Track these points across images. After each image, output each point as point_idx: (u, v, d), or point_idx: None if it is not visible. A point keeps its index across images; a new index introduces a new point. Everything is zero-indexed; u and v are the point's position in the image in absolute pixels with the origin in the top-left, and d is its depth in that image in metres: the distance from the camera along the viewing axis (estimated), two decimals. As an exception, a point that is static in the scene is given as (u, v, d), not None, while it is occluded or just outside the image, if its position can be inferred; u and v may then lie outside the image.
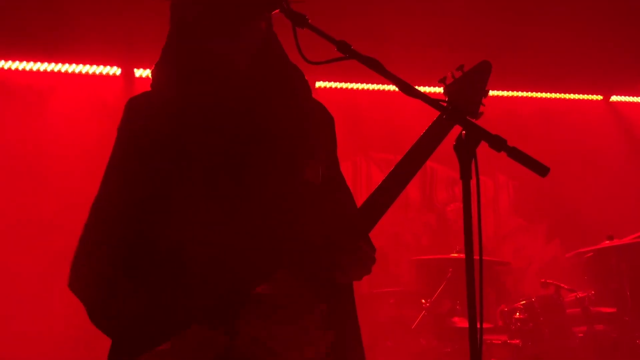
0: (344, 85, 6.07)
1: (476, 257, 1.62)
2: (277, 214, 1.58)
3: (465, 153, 1.67)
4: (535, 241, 6.57)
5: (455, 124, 1.71)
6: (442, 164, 6.33)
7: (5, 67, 4.87)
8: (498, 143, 1.64)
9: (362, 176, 6.26)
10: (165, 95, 1.65)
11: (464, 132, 1.67)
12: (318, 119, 1.77)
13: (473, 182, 1.67)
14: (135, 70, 5.23)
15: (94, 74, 5.10)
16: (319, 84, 5.96)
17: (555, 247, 6.54)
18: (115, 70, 5.17)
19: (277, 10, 1.70)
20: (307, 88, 1.79)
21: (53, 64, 4.97)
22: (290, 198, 1.61)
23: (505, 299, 5.23)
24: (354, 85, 6.13)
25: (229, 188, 1.57)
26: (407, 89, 1.70)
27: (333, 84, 5.99)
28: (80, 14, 4.36)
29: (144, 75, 5.27)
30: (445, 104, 1.68)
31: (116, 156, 1.62)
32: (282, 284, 1.53)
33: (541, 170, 1.68)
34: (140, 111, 1.64)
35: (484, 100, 1.81)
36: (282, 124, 1.67)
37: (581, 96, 6.80)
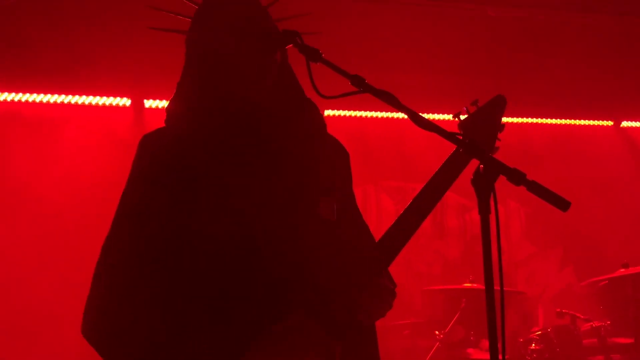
0: (353, 113, 6.07)
1: (497, 288, 1.57)
2: (292, 252, 1.55)
3: (484, 187, 1.65)
4: (549, 269, 6.49)
5: (472, 157, 1.69)
6: (453, 191, 6.27)
7: (23, 100, 4.92)
8: (517, 177, 1.62)
9: (372, 204, 6.22)
10: (180, 131, 1.63)
11: (481, 166, 1.64)
12: (333, 154, 1.75)
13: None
14: (145, 101, 5.26)
15: (104, 105, 5.13)
16: (327, 112, 5.96)
17: (569, 274, 6.46)
18: (125, 102, 5.20)
19: (291, 45, 1.69)
20: (323, 123, 1.77)
21: (64, 96, 5.00)
22: (305, 235, 1.58)
23: (520, 328, 5.15)
24: (363, 113, 6.13)
25: (245, 227, 1.54)
26: (422, 122, 1.69)
27: (342, 112, 5.98)
28: (91, 47, 4.42)
29: (153, 106, 5.30)
30: (461, 137, 1.66)
31: (129, 194, 1.59)
32: (297, 324, 1.49)
33: (562, 204, 1.65)
34: (154, 148, 1.62)
35: (499, 135, 1.80)
36: (297, 159, 1.65)
37: (592, 122, 6.77)
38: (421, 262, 6.11)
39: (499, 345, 1.50)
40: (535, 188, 1.63)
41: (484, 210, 1.65)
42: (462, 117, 1.82)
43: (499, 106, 1.77)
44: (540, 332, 4.75)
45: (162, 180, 1.56)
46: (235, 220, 1.54)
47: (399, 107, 1.74)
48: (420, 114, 4.91)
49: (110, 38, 4.36)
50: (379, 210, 6.16)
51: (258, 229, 1.55)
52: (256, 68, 1.63)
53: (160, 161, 1.58)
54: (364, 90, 1.72)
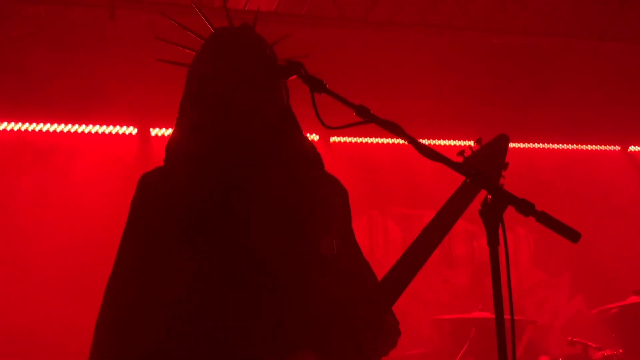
0: (359, 139, 6.06)
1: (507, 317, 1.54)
2: (296, 290, 1.53)
3: (492, 218, 1.62)
4: (558, 296, 6.41)
5: (479, 188, 1.66)
6: (461, 218, 6.24)
7: (37, 129, 5.02)
8: (526, 207, 1.59)
9: (378, 231, 6.17)
10: (179, 171, 1.61)
11: (489, 196, 1.62)
12: (332, 193, 1.75)
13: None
14: (151, 129, 5.32)
15: (110, 134, 5.19)
16: (334, 139, 5.96)
17: (579, 302, 6.37)
18: (132, 130, 5.25)
19: (295, 77, 1.68)
20: (321, 163, 1.77)
21: (70, 125, 5.09)
22: (308, 274, 1.56)
23: (531, 357, 5.07)
24: (370, 140, 6.12)
25: (246, 266, 1.52)
26: (427, 152, 1.67)
27: (348, 139, 5.98)
28: (100, 79, 4.54)
29: (159, 135, 5.35)
30: (469, 168, 1.63)
31: (129, 235, 1.57)
32: None
33: (572, 235, 1.62)
34: (153, 188, 1.60)
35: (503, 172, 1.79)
36: (297, 199, 1.64)
37: (599, 147, 6.75)
38: (429, 290, 6.04)
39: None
40: (545, 219, 1.60)
41: (493, 242, 1.62)
42: (467, 156, 1.79)
43: (502, 144, 1.79)
44: (551, 362, 4.67)
45: (161, 223, 1.54)
46: (236, 262, 1.51)
47: (404, 137, 1.72)
48: (427, 140, 4.94)
49: (118, 70, 4.43)
50: (385, 236, 6.12)
51: (259, 268, 1.52)
52: (261, 103, 1.62)
53: (159, 202, 1.56)
54: (368, 120, 1.71)
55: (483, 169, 1.68)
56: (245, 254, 1.53)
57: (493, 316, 1.56)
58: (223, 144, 1.62)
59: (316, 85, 1.67)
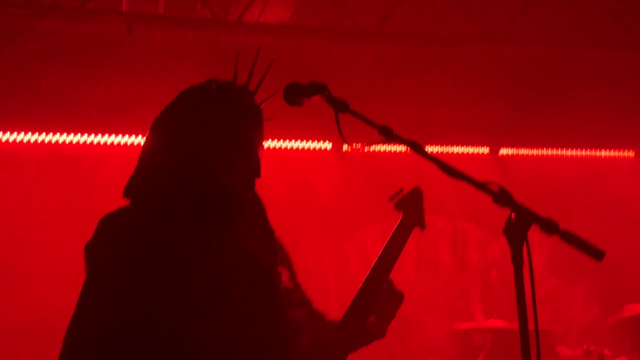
0: (371, 147, 6.06)
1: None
2: (268, 324, 1.59)
3: (516, 237, 1.64)
4: (573, 303, 6.38)
5: (504, 206, 1.67)
6: (473, 223, 6.23)
7: (60, 141, 5.15)
8: (550, 226, 1.61)
9: (391, 239, 6.17)
10: (141, 214, 1.58)
11: (513, 214, 1.63)
12: (268, 222, 1.78)
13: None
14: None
15: (132, 145, 5.30)
16: (346, 148, 5.97)
17: (594, 309, 6.34)
18: (141, 140, 5.39)
19: (318, 97, 1.71)
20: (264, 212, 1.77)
21: (92, 135, 5.23)
22: (276, 305, 1.65)
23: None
24: (381, 148, 6.12)
25: (212, 312, 1.51)
26: (450, 171, 1.68)
27: (366, 147, 5.98)
28: (119, 90, 4.59)
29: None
30: (493, 187, 1.64)
31: (90, 279, 1.55)
32: None
33: (596, 254, 1.63)
34: (116, 231, 1.56)
35: None
36: (251, 234, 1.67)
37: (613, 153, 6.72)
38: (442, 297, 6.03)
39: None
40: (569, 238, 1.62)
41: (517, 260, 1.64)
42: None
43: (420, 195, 2.33)
44: (567, 370, 4.65)
45: (121, 269, 1.51)
46: (201, 308, 1.50)
47: (425, 156, 1.74)
48: (442, 147, 4.95)
49: (135, 83, 4.49)
50: (398, 245, 6.10)
51: (228, 308, 1.53)
52: (247, 160, 1.65)
53: (124, 246, 1.52)
54: (391, 139, 1.73)
55: (414, 212, 2.23)
56: (209, 294, 1.52)
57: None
58: (197, 186, 1.60)
59: (340, 106, 1.69)
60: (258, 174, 1.67)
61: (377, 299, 1.86)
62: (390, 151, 6.13)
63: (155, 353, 1.45)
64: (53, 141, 5.13)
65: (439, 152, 6.14)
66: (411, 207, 2.24)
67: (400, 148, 6.12)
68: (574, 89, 5.34)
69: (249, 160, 1.65)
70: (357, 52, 4.51)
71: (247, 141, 1.66)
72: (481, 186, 1.66)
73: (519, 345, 1.53)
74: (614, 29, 4.96)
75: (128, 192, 1.62)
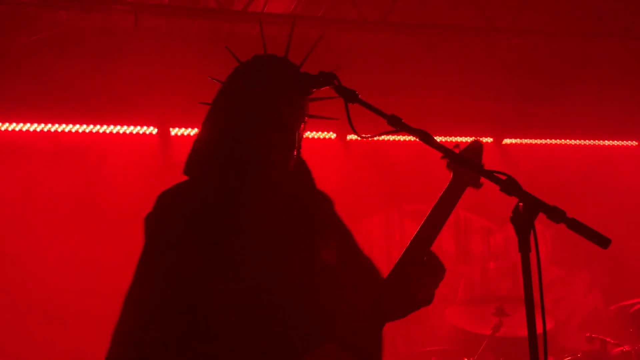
0: (375, 137, 6.07)
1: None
2: (311, 293, 1.62)
3: (523, 225, 1.65)
4: (576, 292, 6.42)
5: (512, 196, 1.69)
6: (477, 214, 6.26)
7: (59, 130, 5.18)
8: (557, 215, 1.62)
9: (394, 228, 6.20)
10: (196, 189, 1.66)
11: (520, 203, 1.64)
12: (324, 206, 1.85)
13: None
14: (171, 129, 5.45)
15: (131, 134, 5.34)
16: (350, 137, 5.99)
17: (596, 298, 6.38)
18: (152, 130, 5.39)
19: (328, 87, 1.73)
20: (313, 182, 1.85)
21: (91, 126, 5.25)
22: (317, 278, 1.66)
23: (549, 354, 5.08)
24: (385, 137, 6.13)
25: (264, 277, 1.59)
26: (460, 160, 1.71)
27: (375, 137, 6.01)
28: (121, 80, 4.61)
29: (178, 134, 5.47)
30: (501, 176, 1.66)
31: (149, 250, 1.61)
32: (327, 353, 1.53)
33: (602, 242, 1.65)
34: (175, 205, 1.64)
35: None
36: (299, 218, 1.72)
37: (615, 142, 6.74)
38: (446, 286, 6.07)
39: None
40: (576, 226, 1.63)
41: (524, 248, 1.66)
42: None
43: (478, 149, 2.03)
44: (570, 358, 4.68)
45: (180, 239, 1.58)
46: (255, 275, 1.58)
47: (433, 145, 1.76)
48: (447, 137, 4.94)
49: (139, 73, 4.51)
50: (402, 234, 6.14)
51: (278, 282, 1.60)
52: (287, 133, 1.70)
53: (177, 221, 1.60)
54: (399, 129, 1.74)
55: (466, 171, 1.96)
56: (263, 266, 1.59)
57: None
58: (248, 164, 1.68)
59: (349, 96, 1.71)
60: (297, 147, 1.74)
61: (418, 269, 1.81)
62: (394, 140, 6.15)
63: (208, 320, 1.53)
64: (59, 130, 5.16)
65: (445, 141, 6.17)
66: (462, 167, 1.99)
67: (405, 138, 6.16)
68: (578, 79, 5.35)
69: (287, 135, 1.70)
70: (362, 41, 4.52)
71: (286, 116, 1.69)
72: (490, 175, 1.67)
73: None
74: (619, 19, 4.96)
75: (187, 169, 1.71)
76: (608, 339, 4.79)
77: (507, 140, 6.40)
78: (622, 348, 4.80)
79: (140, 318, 1.52)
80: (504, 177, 1.67)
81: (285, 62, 1.78)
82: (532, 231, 1.66)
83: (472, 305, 5.48)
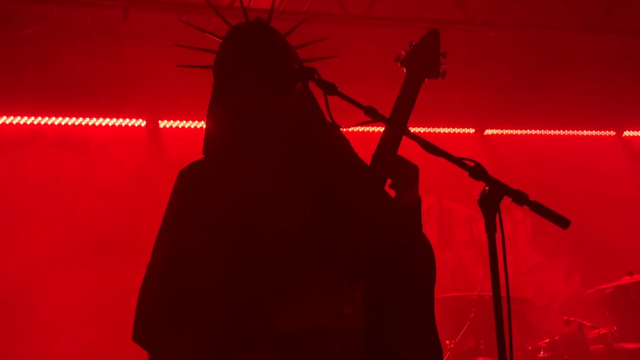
0: (359, 129, 6.17)
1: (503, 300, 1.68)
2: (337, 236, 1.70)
3: (490, 208, 1.76)
4: (555, 277, 6.57)
5: (479, 180, 1.80)
6: (459, 203, 6.39)
7: (49, 122, 5.21)
8: (520, 198, 1.73)
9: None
10: (213, 166, 1.77)
11: (487, 187, 1.75)
12: (358, 173, 1.90)
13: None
14: (160, 122, 5.49)
15: (120, 126, 5.36)
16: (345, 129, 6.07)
17: (576, 282, 6.54)
18: (141, 123, 5.42)
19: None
20: (345, 142, 1.92)
21: (81, 119, 5.27)
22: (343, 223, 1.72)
23: (529, 337, 5.23)
24: (369, 129, 6.24)
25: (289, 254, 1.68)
26: (431, 149, 1.80)
27: (349, 128, 6.10)
28: (110, 74, 4.67)
29: (167, 126, 5.53)
30: (469, 162, 1.77)
31: (169, 223, 1.74)
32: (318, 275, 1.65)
33: (562, 222, 1.74)
34: (194, 180, 1.75)
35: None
36: (319, 179, 1.79)
37: (595, 132, 6.89)
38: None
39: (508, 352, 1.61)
40: (538, 208, 1.73)
41: (491, 229, 1.75)
42: (403, 58, 1.97)
43: (434, 37, 1.93)
44: (548, 340, 4.83)
45: (203, 210, 1.71)
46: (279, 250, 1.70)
47: (409, 136, 1.86)
48: (429, 129, 5.06)
49: (129, 67, 4.57)
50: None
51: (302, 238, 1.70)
52: (275, 102, 1.77)
53: (201, 193, 1.73)
54: (376, 120, 1.84)
55: (422, 62, 1.91)
56: (288, 241, 1.69)
57: (491, 297, 1.70)
58: (247, 137, 1.77)
59: (329, 89, 1.81)
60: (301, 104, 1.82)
61: (391, 175, 1.77)
62: (376, 132, 6.27)
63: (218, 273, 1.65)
64: (49, 123, 5.18)
65: (427, 132, 6.29)
66: (418, 58, 1.89)
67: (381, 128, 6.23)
68: (557, 71, 5.46)
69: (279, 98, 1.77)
70: (345, 35, 4.61)
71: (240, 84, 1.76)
72: (459, 162, 1.78)
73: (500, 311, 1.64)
74: (596, 12, 5.07)
75: (204, 149, 1.83)
76: (585, 322, 4.94)
77: (488, 131, 6.54)
78: (598, 330, 4.96)
79: (154, 287, 1.68)
80: (471, 164, 1.77)
81: (266, 38, 1.82)
82: (497, 213, 1.76)
83: (455, 291, 5.62)
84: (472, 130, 6.48)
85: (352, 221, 1.72)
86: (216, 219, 1.69)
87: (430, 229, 6.36)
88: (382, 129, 2.01)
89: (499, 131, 6.56)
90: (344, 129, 1.93)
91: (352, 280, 1.65)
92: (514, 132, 6.59)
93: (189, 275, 1.66)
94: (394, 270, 1.74)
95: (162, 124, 5.50)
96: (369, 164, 1.88)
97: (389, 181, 1.86)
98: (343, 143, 1.93)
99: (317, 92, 1.85)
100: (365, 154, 1.97)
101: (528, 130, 6.63)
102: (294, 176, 1.79)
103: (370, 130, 6.10)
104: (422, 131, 6.29)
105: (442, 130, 6.34)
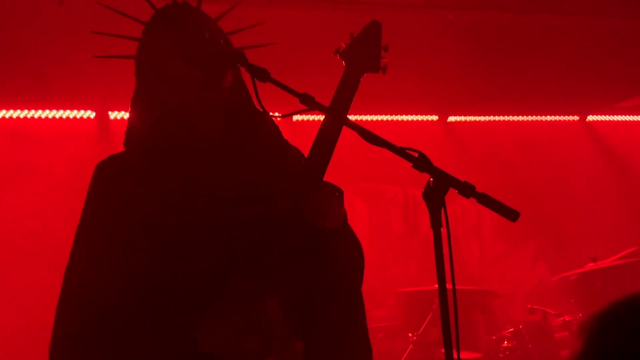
0: (321, 117, 6.07)
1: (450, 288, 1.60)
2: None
3: (434, 201, 1.66)
4: (521, 266, 6.55)
5: (423, 172, 1.69)
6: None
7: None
8: (467, 190, 1.64)
9: (344, 207, 6.21)
10: (134, 159, 1.65)
11: (431, 179, 1.65)
12: (294, 156, 1.82)
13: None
14: (110, 113, 5.35)
15: (68, 118, 5.22)
16: (296, 118, 5.97)
17: (541, 270, 6.53)
18: (90, 114, 5.29)
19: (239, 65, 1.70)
20: (278, 132, 1.81)
21: (27, 111, 5.12)
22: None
23: (494, 327, 5.20)
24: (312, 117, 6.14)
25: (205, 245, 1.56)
26: (372, 138, 1.70)
27: (308, 117, 6.02)
28: (56, 63, 4.48)
29: (118, 117, 5.38)
30: (412, 152, 1.66)
31: (85, 223, 1.61)
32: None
33: (511, 215, 1.68)
34: (111, 175, 1.64)
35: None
36: (248, 171, 1.68)
37: (558, 118, 6.87)
38: (395, 264, 6.13)
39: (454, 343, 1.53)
40: (485, 200, 1.66)
41: (436, 224, 1.67)
42: (342, 51, 1.84)
43: (375, 30, 1.84)
44: (512, 329, 4.80)
45: (119, 208, 1.59)
46: (197, 246, 1.57)
47: (349, 125, 1.77)
48: (389, 116, 4.90)
49: (74, 55, 4.38)
50: (351, 212, 6.14)
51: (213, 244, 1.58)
52: (201, 92, 1.64)
53: (114, 194, 1.61)
54: (311, 108, 1.73)
55: (363, 55, 1.80)
56: (203, 230, 1.57)
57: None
58: (171, 131, 1.66)
59: (259, 74, 1.68)
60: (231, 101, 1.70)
61: (317, 196, 1.66)
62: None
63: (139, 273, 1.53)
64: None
65: (389, 120, 6.20)
66: (357, 52, 1.78)
67: (353, 117, 6.14)
68: (519, 56, 5.40)
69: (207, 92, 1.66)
70: (302, 19, 4.47)
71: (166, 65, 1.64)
72: (402, 152, 1.67)
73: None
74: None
75: (125, 142, 1.72)
76: (549, 310, 4.91)
77: (452, 118, 6.47)
78: (563, 318, 4.94)
79: (77, 295, 1.54)
80: (415, 154, 1.67)
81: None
82: (442, 207, 1.66)
83: (422, 281, 5.56)
84: (435, 118, 6.41)
85: (277, 221, 1.60)
86: (131, 221, 1.56)
87: (395, 218, 6.28)
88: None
89: (463, 118, 6.50)
90: (277, 117, 1.80)
91: (274, 288, 1.54)
92: (477, 118, 6.55)
93: (107, 288, 1.52)
94: (315, 274, 1.64)
95: (113, 115, 5.37)
96: (306, 155, 1.77)
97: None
98: (275, 133, 1.81)
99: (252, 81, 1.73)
100: (305, 145, 1.86)
101: (492, 117, 6.59)
102: (219, 172, 1.67)
103: (312, 119, 6.00)
104: (384, 119, 6.19)
105: (404, 117, 6.26)
